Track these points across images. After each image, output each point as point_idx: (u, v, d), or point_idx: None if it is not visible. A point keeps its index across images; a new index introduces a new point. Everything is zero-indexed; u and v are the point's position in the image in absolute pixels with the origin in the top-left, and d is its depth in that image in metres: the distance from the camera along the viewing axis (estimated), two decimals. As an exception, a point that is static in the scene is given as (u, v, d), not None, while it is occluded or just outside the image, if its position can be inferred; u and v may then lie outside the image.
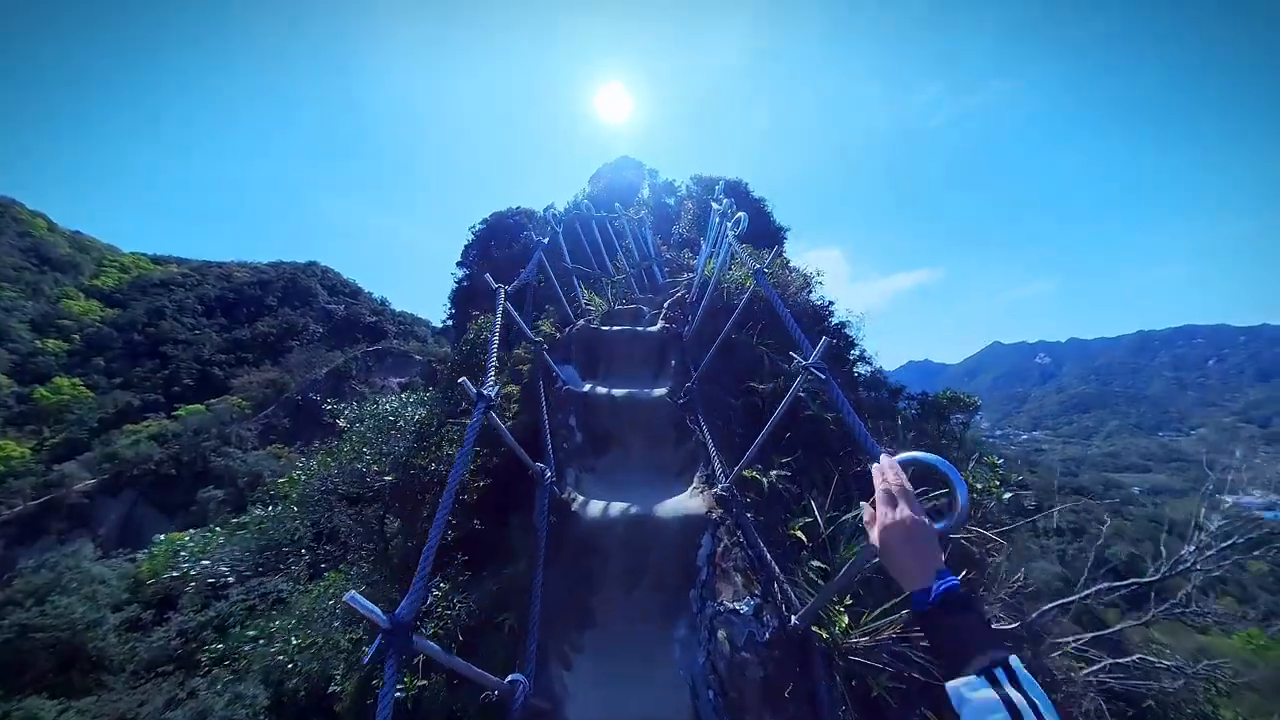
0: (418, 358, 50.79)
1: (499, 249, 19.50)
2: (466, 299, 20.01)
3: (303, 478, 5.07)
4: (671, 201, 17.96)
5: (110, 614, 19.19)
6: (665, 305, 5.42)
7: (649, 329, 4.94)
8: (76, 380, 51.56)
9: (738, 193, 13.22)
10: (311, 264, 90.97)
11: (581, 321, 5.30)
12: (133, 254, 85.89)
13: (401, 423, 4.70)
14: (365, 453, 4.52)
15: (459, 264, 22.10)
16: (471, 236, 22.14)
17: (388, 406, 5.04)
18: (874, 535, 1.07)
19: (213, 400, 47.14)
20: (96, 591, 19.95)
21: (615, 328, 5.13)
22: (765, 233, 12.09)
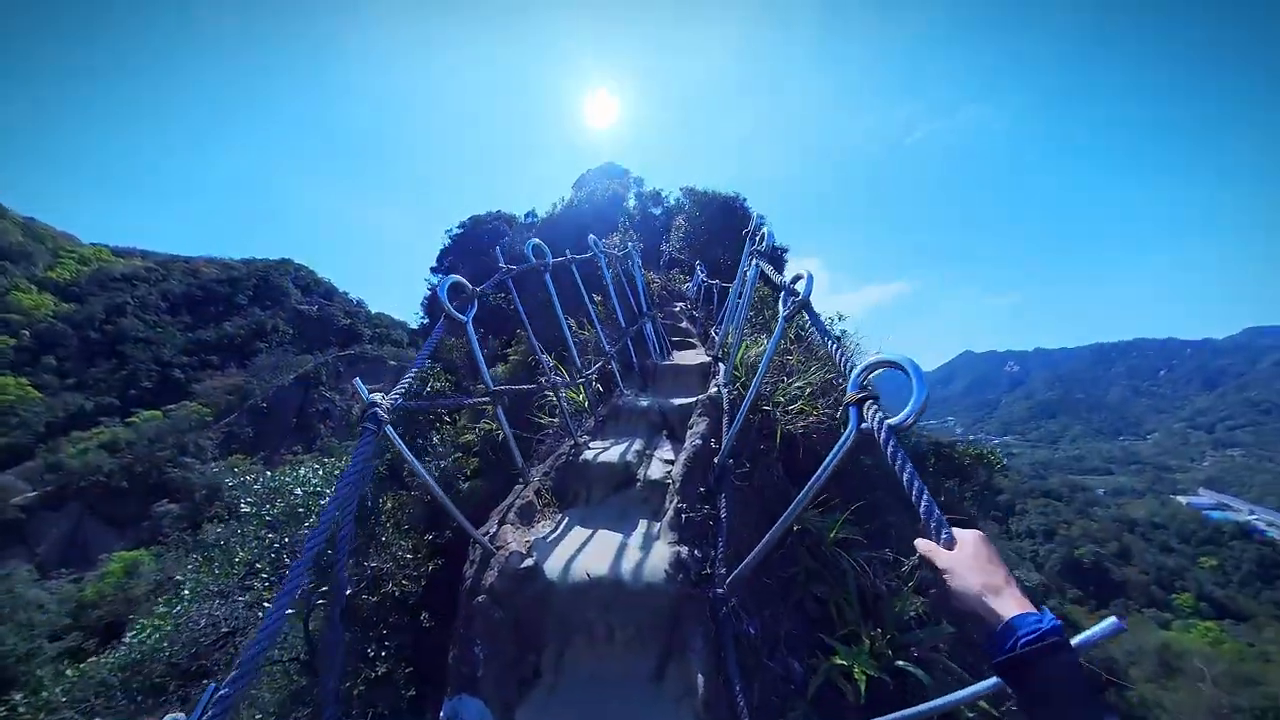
0: (392, 363, 49.41)
1: (476, 255, 18.98)
2: (440, 307, 19.38)
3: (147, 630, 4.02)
4: (658, 212, 17.70)
5: (48, 644, 17.76)
6: (678, 480, 2.76)
7: (646, 566, 2.38)
8: (24, 380, 48.38)
9: (734, 209, 12.10)
10: (285, 261, 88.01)
11: (505, 557, 2.41)
12: (93, 245, 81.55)
13: (319, 507, 3.71)
14: (260, 568, 3.51)
15: (434, 269, 21.51)
16: (448, 240, 21.57)
17: (303, 478, 4.02)
18: (940, 559, 0.92)
19: (171, 406, 44.80)
20: (33, 618, 18.45)
21: (578, 556, 2.52)
22: (766, 257, 11.12)
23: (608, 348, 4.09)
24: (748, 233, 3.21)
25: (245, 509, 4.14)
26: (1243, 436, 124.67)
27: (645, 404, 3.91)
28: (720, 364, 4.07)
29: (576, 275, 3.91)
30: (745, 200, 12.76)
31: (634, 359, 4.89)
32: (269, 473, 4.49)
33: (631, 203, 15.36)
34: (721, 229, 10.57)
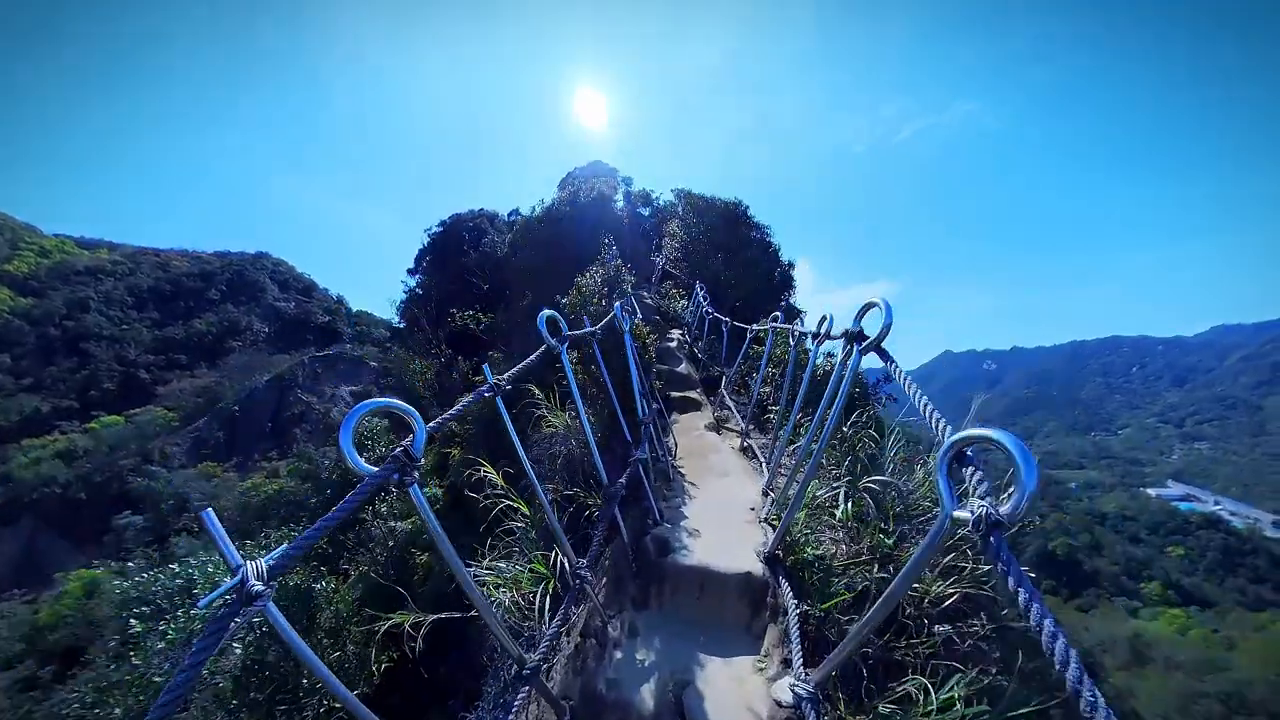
0: (372, 364, 47.89)
1: (455, 256, 18.06)
2: (417, 311, 18.39)
3: None
4: (647, 213, 17.03)
5: (-1, 672, 16.56)
6: None
7: None
8: (-27, 383, 45.72)
9: (737, 218, 11.04)
10: (262, 255, 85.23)
11: None
12: (56, 236, 77.86)
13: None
14: None
15: (411, 270, 20.47)
16: (426, 240, 20.51)
17: (212, 575, 2.91)
18: None
19: (135, 410, 42.69)
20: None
21: None
22: (770, 275, 9.13)
23: (579, 570, 2.25)
24: (815, 337, 1.77)
25: (136, 626, 3.08)
26: (1210, 430, 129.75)
27: (652, 707, 2.09)
28: (781, 578, 2.33)
29: (505, 418, 2.06)
30: (749, 208, 11.44)
31: (623, 528, 2.82)
32: (174, 565, 3.70)
33: (620, 203, 14.72)
34: (723, 240, 9.67)
